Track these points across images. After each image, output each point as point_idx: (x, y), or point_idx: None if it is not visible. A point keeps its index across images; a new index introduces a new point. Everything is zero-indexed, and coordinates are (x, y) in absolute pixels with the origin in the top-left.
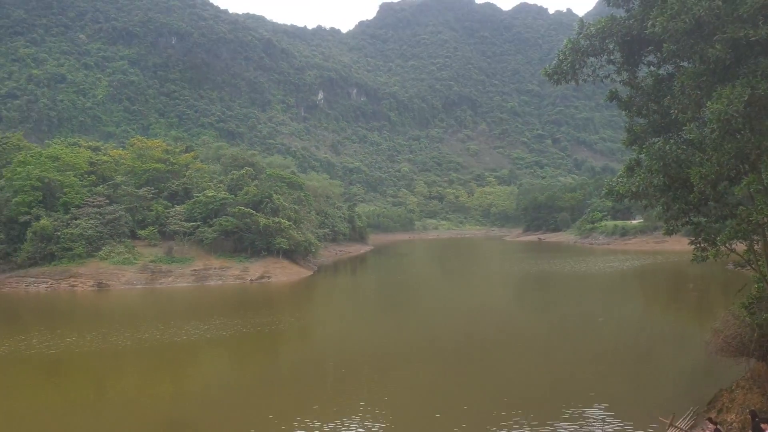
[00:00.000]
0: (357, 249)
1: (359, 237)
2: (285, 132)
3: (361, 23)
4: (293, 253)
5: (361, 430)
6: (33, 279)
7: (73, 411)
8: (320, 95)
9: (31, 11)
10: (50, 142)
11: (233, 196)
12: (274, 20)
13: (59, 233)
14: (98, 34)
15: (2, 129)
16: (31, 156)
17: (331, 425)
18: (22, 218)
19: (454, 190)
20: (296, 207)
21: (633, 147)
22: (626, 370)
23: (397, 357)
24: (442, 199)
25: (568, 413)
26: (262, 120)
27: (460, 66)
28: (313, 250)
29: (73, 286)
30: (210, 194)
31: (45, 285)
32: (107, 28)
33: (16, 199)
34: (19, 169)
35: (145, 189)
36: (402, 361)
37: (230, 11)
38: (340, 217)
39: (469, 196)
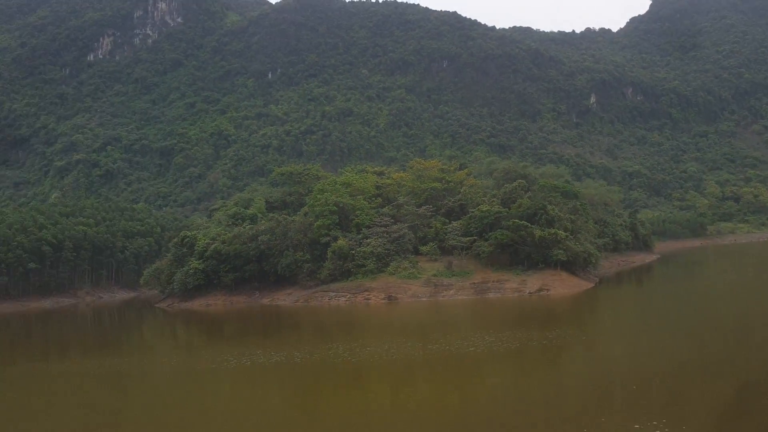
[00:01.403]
0: (641, 258)
1: (643, 245)
2: (556, 140)
3: (632, 20)
4: (572, 265)
5: None
6: (334, 293)
7: (370, 416)
8: (592, 99)
9: (322, 54)
10: (342, 170)
11: (507, 209)
12: (541, 29)
13: (354, 252)
14: (378, 67)
15: (304, 161)
16: (328, 184)
17: None
18: (323, 239)
19: (753, 189)
20: (572, 217)
21: None
22: None
23: (692, 373)
24: (739, 200)
25: None
26: (533, 130)
27: (751, 51)
28: (593, 261)
29: (367, 299)
30: (484, 209)
31: (344, 298)
32: (386, 61)
33: (317, 222)
34: (318, 196)
35: (424, 207)
36: (698, 377)
37: (497, 27)
38: (620, 225)
39: None
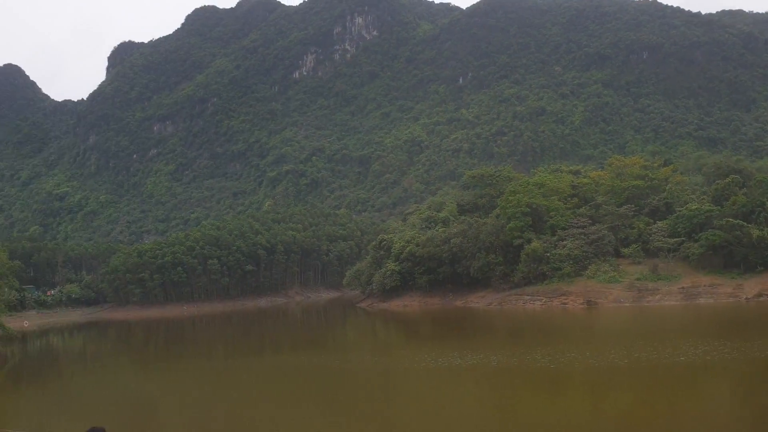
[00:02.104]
0: None
1: None
2: None
3: None
4: None
5: None
6: (528, 297)
7: (569, 424)
8: None
9: (513, 55)
10: (535, 171)
11: (719, 207)
12: (755, 11)
13: (548, 254)
14: (572, 63)
15: (495, 163)
16: (520, 185)
17: None
18: (516, 242)
19: None
20: None
21: None
22: None
23: None
24: None
25: None
26: (747, 121)
27: None
28: None
29: (564, 303)
30: (693, 207)
31: (539, 302)
32: (580, 56)
33: (509, 224)
34: (510, 197)
35: (625, 207)
36: None
37: (703, 12)
38: None
39: None
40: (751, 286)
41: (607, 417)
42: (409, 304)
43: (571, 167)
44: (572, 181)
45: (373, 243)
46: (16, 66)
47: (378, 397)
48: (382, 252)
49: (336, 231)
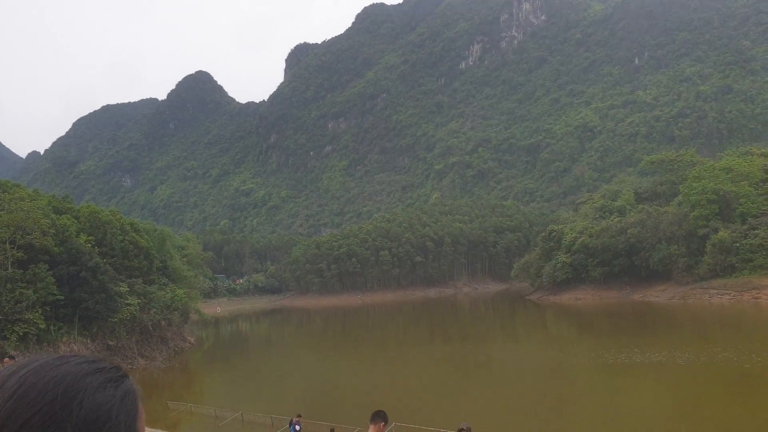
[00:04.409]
0: None
1: None
2: None
3: None
4: None
5: None
6: (715, 290)
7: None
8: None
9: (693, 30)
10: (721, 154)
11: None
12: None
13: (737, 245)
14: (763, 36)
15: (675, 147)
16: (705, 170)
17: None
18: (701, 231)
19: None
20: None
21: None
22: None
23: None
24: None
25: None
26: None
27: None
28: None
29: (755, 298)
30: None
31: (727, 297)
32: None
33: (694, 213)
34: (693, 184)
35: None
36: None
37: None
38: None
39: None
40: None
41: None
42: (582, 297)
43: (763, 150)
44: (764, 165)
45: (543, 234)
46: (206, 72)
47: (551, 392)
48: (552, 243)
49: (503, 222)
